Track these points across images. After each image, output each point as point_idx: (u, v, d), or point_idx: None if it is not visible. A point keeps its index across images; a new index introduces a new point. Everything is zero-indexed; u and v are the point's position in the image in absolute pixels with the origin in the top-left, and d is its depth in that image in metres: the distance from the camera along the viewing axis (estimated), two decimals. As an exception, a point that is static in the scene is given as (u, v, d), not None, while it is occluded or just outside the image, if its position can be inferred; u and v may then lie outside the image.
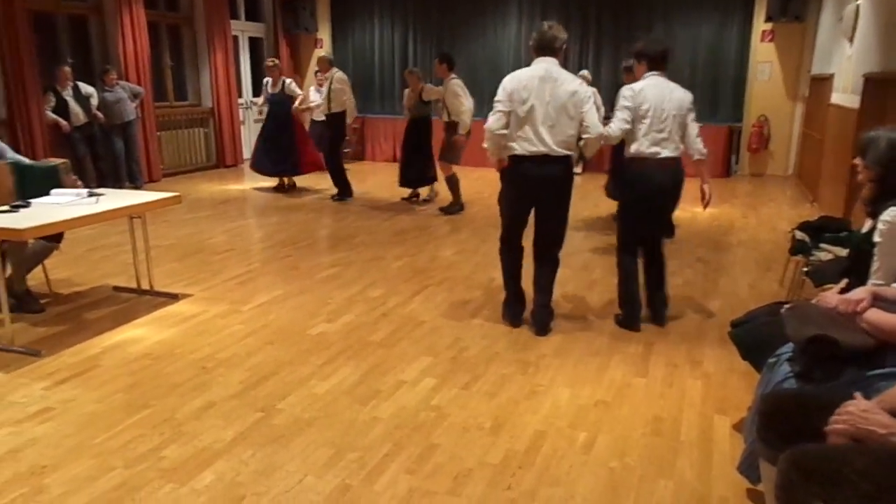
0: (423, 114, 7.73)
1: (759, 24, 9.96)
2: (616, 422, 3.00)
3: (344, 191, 8.19)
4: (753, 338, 2.69)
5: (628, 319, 4.09)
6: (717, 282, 5.04)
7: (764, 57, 10.07)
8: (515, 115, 3.74)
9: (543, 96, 3.72)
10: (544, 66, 3.78)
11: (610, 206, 7.08)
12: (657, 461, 2.69)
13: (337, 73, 7.88)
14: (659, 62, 3.95)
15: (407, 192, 8.18)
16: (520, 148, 3.77)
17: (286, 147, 8.45)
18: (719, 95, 10.32)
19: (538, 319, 4.02)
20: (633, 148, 3.94)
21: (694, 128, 3.95)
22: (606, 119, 4.28)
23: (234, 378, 3.39)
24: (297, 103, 8.42)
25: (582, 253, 5.82)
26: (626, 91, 3.93)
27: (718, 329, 4.03)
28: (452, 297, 4.64)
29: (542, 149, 3.75)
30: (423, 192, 8.17)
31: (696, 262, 5.55)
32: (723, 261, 5.67)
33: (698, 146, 3.95)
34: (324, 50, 11.91)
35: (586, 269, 5.35)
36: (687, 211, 7.45)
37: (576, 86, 3.75)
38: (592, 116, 3.78)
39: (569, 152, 3.83)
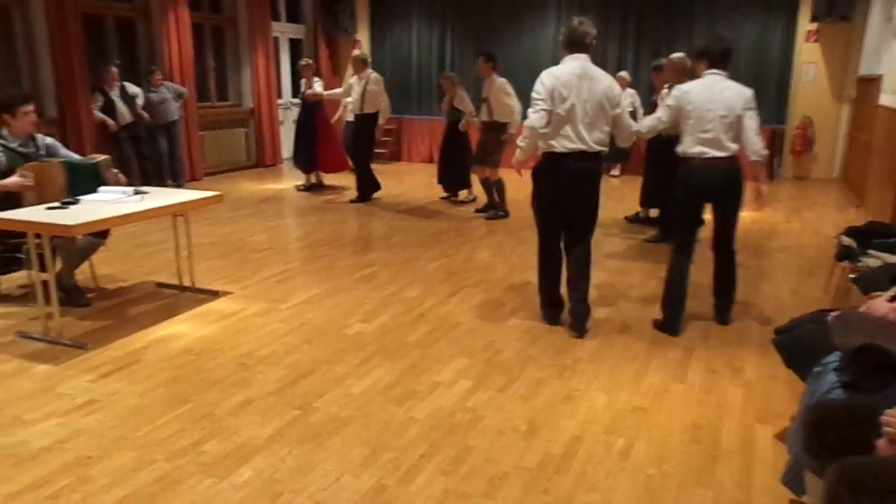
0: (457, 118, 7.76)
1: (804, 25, 9.73)
2: (654, 428, 2.96)
3: (369, 190, 8.21)
4: (798, 346, 2.63)
5: (669, 322, 4.04)
6: (758, 287, 4.94)
7: (808, 58, 9.83)
8: (556, 114, 3.74)
9: (582, 94, 3.73)
10: (580, 63, 3.78)
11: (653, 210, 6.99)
12: (696, 469, 2.65)
13: (373, 74, 7.89)
14: (719, 60, 3.90)
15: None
16: (559, 146, 3.79)
17: (309, 144, 8.61)
18: (762, 97, 9.94)
19: (576, 317, 4.00)
20: (680, 148, 3.95)
21: (750, 127, 3.81)
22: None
23: (272, 375, 3.44)
24: (305, 89, 8.63)
25: (619, 256, 5.76)
26: (675, 90, 3.97)
27: (760, 336, 3.95)
28: (488, 299, 4.63)
29: (580, 146, 3.78)
30: (462, 193, 8.18)
31: (737, 266, 5.43)
32: (764, 266, 5.55)
33: (754, 146, 3.80)
34: (359, 50, 12.00)
35: (623, 272, 5.29)
36: (727, 214, 7.32)
37: (609, 81, 3.80)
38: (625, 114, 3.89)
39: (602, 148, 3.86)
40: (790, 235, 6.55)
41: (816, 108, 9.89)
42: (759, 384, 3.39)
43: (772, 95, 10.11)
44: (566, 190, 3.87)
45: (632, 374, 3.50)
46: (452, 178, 7.99)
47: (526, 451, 2.77)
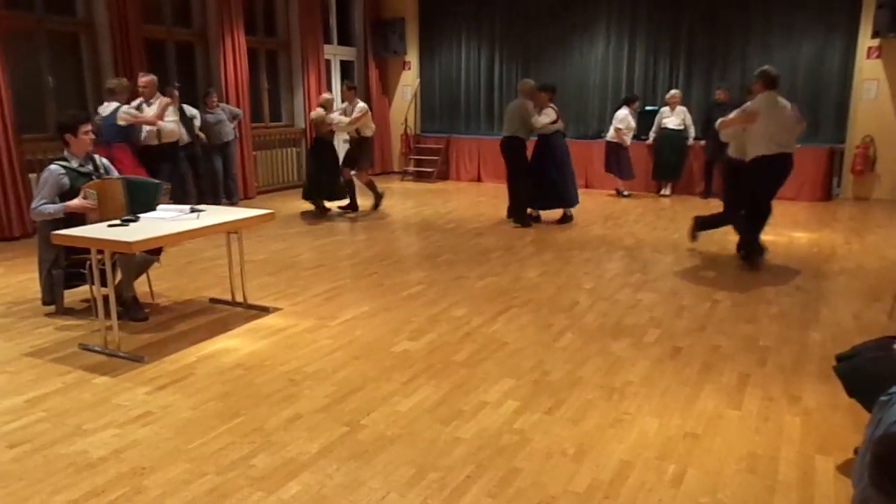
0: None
1: (865, 41, 9.43)
2: (707, 455, 2.87)
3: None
4: (862, 374, 2.53)
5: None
6: (817, 312, 4.77)
7: (870, 74, 9.52)
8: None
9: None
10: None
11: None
12: (752, 500, 2.56)
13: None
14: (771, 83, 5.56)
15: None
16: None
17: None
18: (820, 115, 9.82)
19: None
20: (755, 150, 5.56)
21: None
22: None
23: (320, 392, 3.48)
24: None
25: (670, 277, 5.65)
26: (748, 105, 5.61)
27: (819, 362, 3.81)
28: (536, 319, 4.59)
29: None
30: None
31: (794, 290, 5.27)
32: (824, 289, 5.36)
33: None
34: (411, 73, 12.14)
35: (675, 294, 5.18)
36: (784, 235, 7.12)
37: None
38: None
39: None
40: (851, 258, 6.31)
41: (879, 127, 9.56)
42: (818, 413, 3.26)
43: (830, 114, 9.82)
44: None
45: (683, 398, 3.41)
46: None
47: (574, 475, 2.72)
